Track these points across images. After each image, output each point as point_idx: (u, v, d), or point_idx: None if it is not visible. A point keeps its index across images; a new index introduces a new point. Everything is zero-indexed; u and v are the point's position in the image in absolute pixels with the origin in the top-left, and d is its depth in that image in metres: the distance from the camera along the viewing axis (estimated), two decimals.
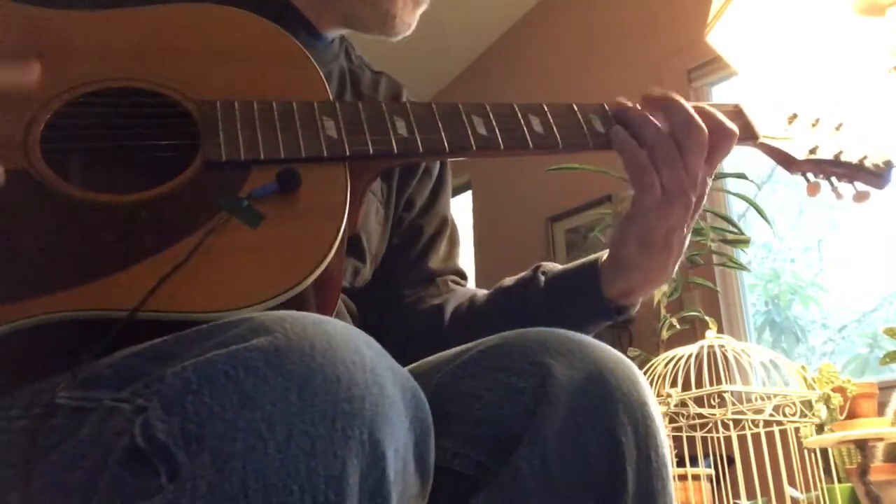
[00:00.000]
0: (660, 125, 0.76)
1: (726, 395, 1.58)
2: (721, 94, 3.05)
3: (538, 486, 0.62)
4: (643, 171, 0.74)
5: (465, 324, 0.91)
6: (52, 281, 0.58)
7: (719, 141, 0.77)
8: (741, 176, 1.98)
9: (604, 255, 0.84)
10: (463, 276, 1.01)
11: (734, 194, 2.16)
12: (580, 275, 0.84)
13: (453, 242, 1.02)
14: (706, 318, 1.88)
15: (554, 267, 0.88)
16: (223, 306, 0.58)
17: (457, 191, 4.35)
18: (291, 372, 0.47)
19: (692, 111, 0.76)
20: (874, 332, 2.99)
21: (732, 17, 1.61)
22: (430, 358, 0.75)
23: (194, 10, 0.77)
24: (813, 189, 0.86)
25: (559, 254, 3.44)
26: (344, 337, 0.51)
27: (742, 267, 2.16)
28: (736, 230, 1.95)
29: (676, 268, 0.81)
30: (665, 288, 1.87)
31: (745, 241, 1.93)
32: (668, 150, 0.74)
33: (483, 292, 0.94)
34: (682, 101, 0.77)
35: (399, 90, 1.02)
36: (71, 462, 0.51)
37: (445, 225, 1.01)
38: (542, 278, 0.87)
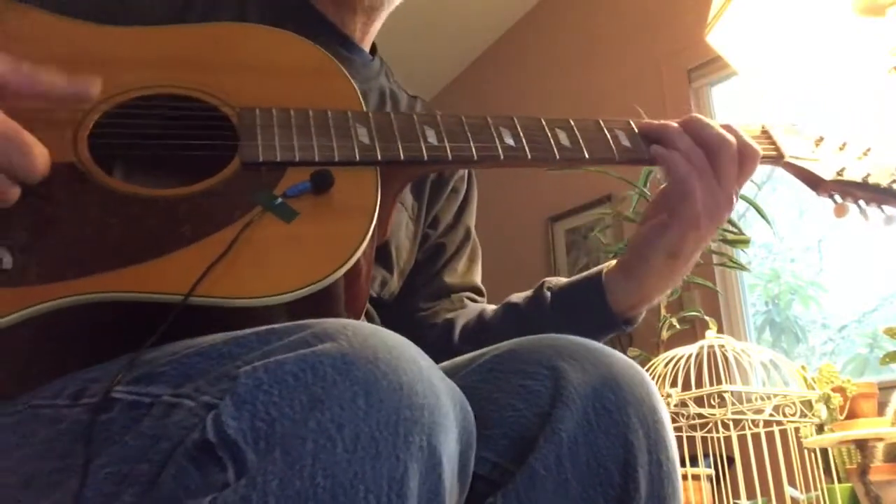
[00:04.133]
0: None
1: (726, 395, 1.58)
2: (721, 94, 3.04)
3: (554, 486, 0.63)
4: (687, 177, 0.77)
5: (473, 339, 0.92)
6: (94, 264, 0.61)
7: (744, 160, 0.79)
8: None
9: (606, 267, 0.85)
10: (480, 292, 1.04)
11: None
12: (586, 292, 0.86)
13: (473, 259, 1.05)
14: (706, 318, 1.88)
15: (559, 282, 0.90)
16: (260, 293, 0.61)
17: None
18: (358, 378, 0.49)
19: (719, 128, 0.79)
20: (874, 332, 2.98)
21: (732, 17, 1.61)
22: (444, 363, 0.76)
23: (239, 29, 0.83)
24: (840, 210, 0.86)
25: (559, 254, 3.44)
26: (402, 347, 0.53)
27: (742, 267, 2.16)
28: (736, 230, 1.95)
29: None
30: None
31: (745, 241, 1.93)
32: (702, 162, 0.77)
33: (492, 308, 0.97)
34: (708, 119, 0.80)
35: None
36: (134, 455, 0.52)
37: (466, 242, 1.04)
38: (549, 295, 0.89)
